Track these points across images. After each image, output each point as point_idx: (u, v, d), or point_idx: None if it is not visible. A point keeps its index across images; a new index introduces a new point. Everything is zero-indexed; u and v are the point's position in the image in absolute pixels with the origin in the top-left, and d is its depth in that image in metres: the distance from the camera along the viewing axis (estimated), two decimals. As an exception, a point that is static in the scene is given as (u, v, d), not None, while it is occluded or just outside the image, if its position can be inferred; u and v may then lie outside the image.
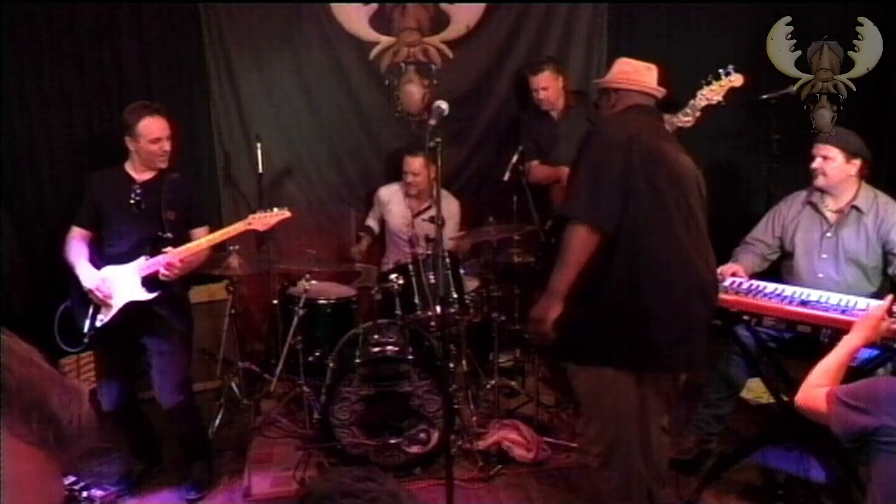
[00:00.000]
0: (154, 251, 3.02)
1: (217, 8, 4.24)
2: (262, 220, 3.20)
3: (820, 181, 3.07)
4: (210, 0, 4.22)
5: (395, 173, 4.38)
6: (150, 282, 3.02)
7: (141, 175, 3.14)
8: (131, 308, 3.01)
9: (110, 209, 3.11)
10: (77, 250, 3.07)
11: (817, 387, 1.97)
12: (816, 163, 3.05)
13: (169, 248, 3.00)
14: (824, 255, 3.11)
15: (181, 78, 4.26)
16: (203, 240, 3.10)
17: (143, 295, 3.01)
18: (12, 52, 3.97)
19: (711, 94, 3.28)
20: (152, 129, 3.06)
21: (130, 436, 3.34)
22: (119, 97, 4.02)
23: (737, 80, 3.27)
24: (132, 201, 3.08)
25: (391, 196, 4.25)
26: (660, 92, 2.58)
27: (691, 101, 3.24)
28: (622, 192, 2.26)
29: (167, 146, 3.11)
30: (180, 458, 3.32)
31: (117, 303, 3.00)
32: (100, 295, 2.97)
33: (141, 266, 3.02)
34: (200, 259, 3.16)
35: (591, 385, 2.44)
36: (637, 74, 2.56)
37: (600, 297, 2.30)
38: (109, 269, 3.03)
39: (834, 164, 3.02)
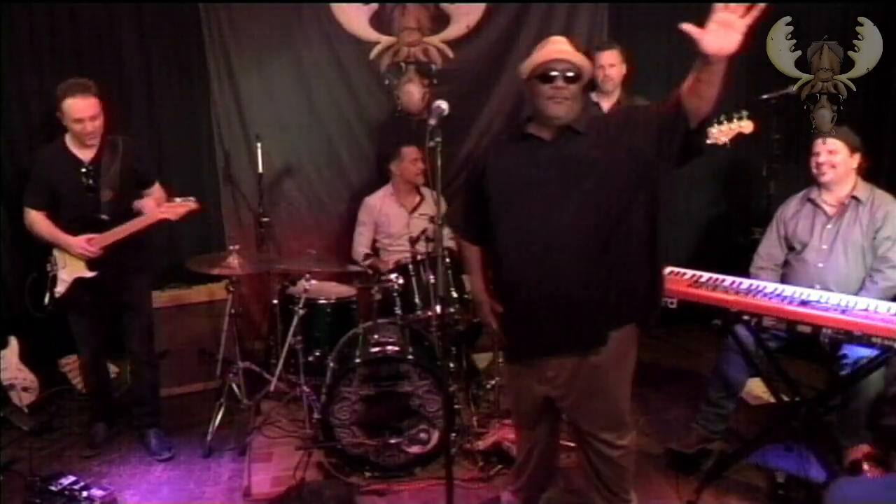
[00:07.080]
0: (89, 231, 3.19)
1: (217, 8, 4.24)
2: (172, 210, 3.29)
3: (828, 175, 3.12)
4: (210, 0, 4.23)
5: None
6: (91, 261, 3.21)
7: (84, 153, 3.20)
8: (82, 281, 3.24)
9: (63, 193, 3.20)
10: (48, 225, 3.23)
11: None
12: (823, 157, 3.10)
13: (94, 236, 3.17)
14: (824, 246, 3.15)
15: (181, 78, 4.27)
16: (112, 231, 3.20)
17: (87, 273, 3.23)
18: (12, 52, 3.97)
19: (720, 133, 3.32)
20: (74, 109, 3.05)
21: (94, 389, 3.60)
22: (119, 97, 4.03)
23: (747, 126, 3.33)
24: (85, 186, 3.17)
25: (382, 201, 4.22)
26: None
27: None
28: None
29: (89, 127, 3.10)
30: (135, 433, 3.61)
31: (66, 278, 3.24)
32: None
33: None
34: (131, 233, 3.24)
35: (628, 346, 2.31)
36: None
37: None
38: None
39: (840, 157, 3.08)
